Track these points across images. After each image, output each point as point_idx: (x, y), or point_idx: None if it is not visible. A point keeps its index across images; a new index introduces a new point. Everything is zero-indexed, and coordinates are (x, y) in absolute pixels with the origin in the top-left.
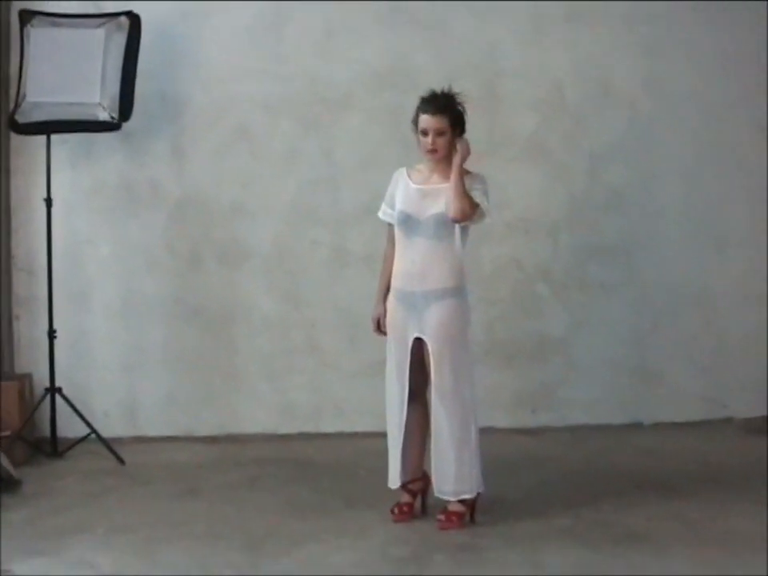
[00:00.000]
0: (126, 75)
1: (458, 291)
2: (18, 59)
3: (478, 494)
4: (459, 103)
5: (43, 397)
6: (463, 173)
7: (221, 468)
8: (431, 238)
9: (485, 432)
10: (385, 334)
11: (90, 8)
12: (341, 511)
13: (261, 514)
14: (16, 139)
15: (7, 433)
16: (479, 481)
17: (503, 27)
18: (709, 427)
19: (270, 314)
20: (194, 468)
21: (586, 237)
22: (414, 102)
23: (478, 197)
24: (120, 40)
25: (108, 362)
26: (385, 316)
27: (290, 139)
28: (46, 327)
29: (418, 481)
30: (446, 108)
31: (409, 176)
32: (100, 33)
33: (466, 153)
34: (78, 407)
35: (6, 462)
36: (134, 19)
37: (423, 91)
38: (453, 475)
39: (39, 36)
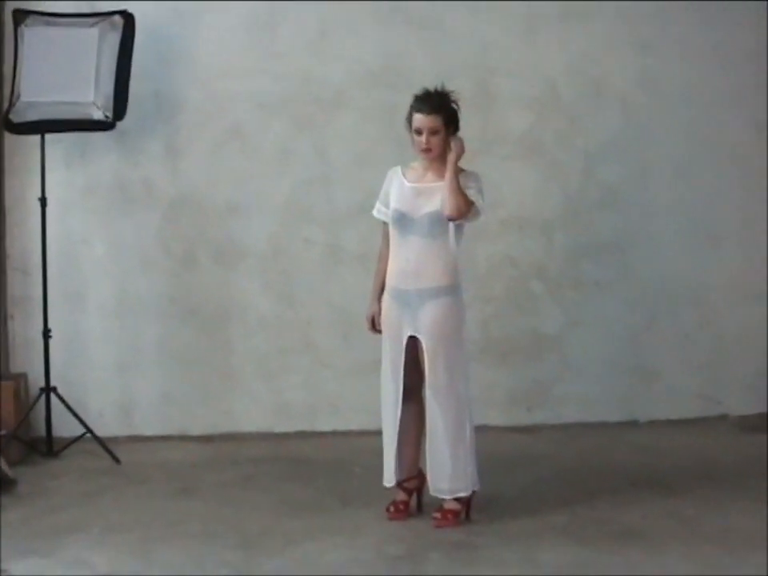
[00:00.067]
0: (120, 74)
1: (452, 289)
2: (12, 59)
3: (473, 491)
4: (453, 102)
5: (38, 396)
6: (458, 171)
7: (216, 467)
8: (425, 237)
9: (480, 430)
10: (379, 332)
11: (84, 7)
12: (336, 509)
13: (256, 513)
14: (10, 139)
15: (2, 432)
16: (474, 479)
17: (497, 26)
18: (704, 424)
19: (265, 313)
20: (190, 467)
21: (581, 235)
22: (408, 101)
23: (472, 195)
24: (114, 39)
25: (103, 362)
26: (379, 314)
27: (284, 138)
28: (40, 327)
29: (414, 479)
30: (439, 107)
31: (403, 174)
32: (94, 32)
33: (461, 151)
34: (73, 407)
35: (1, 462)
36: (128, 18)
37: (417, 90)
38: (448, 473)
39: (33, 35)
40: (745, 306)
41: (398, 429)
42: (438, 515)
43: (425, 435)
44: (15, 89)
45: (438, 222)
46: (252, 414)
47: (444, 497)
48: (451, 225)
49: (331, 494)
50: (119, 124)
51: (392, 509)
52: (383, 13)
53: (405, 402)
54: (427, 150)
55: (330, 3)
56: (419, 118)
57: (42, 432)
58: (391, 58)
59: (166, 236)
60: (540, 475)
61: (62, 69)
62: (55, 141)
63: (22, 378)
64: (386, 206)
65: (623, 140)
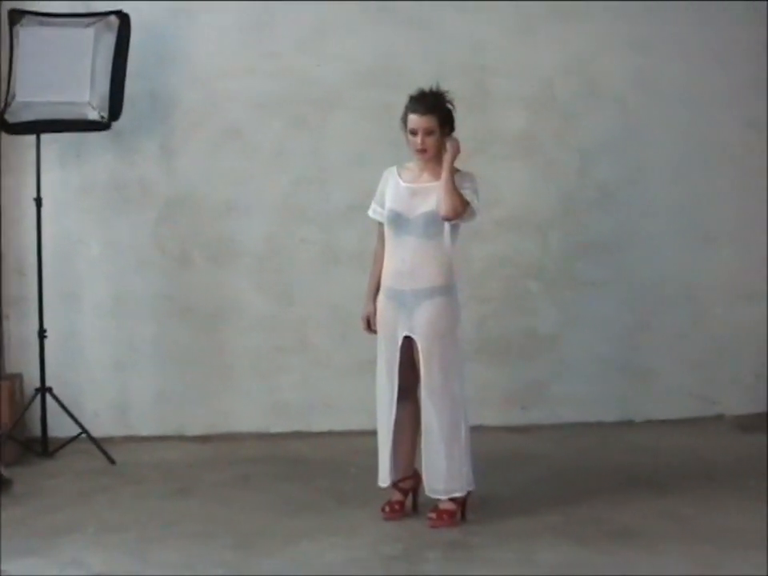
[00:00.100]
0: (115, 74)
1: (447, 289)
2: (8, 59)
3: (469, 491)
4: (448, 102)
5: (33, 397)
6: (453, 171)
7: (212, 467)
8: (421, 237)
9: (475, 430)
10: (375, 332)
11: (80, 7)
12: (332, 509)
13: (252, 513)
14: (6, 139)
15: None
16: (470, 479)
17: (492, 25)
18: (700, 424)
19: (261, 312)
20: (186, 467)
21: (576, 234)
22: (403, 100)
23: (468, 195)
24: (109, 39)
25: (98, 362)
26: (375, 315)
27: (279, 137)
28: (36, 327)
29: (409, 479)
30: (434, 107)
31: (399, 174)
32: (89, 32)
33: (456, 151)
34: (69, 407)
35: None
36: (124, 18)
37: (413, 89)
38: (443, 473)
39: (28, 35)
40: (741, 306)
41: (392, 429)
42: (433, 515)
43: (420, 435)
44: (10, 89)
45: (433, 222)
46: (248, 414)
47: (439, 497)
48: (447, 225)
49: (327, 494)
50: (115, 124)
51: (387, 509)
52: (379, 13)
53: (400, 402)
54: (422, 151)
55: (326, 3)
56: (414, 119)
57: (38, 432)
58: (387, 57)
59: (161, 236)
60: (536, 475)
61: (57, 69)
62: (51, 141)
63: (17, 378)
64: (382, 206)
65: (619, 139)
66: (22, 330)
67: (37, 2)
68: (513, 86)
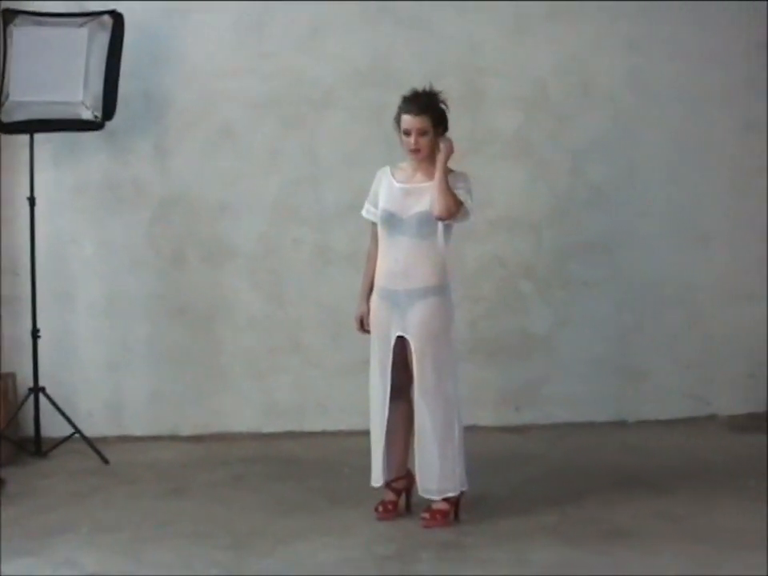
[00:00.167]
0: (109, 74)
1: (441, 289)
2: (1, 58)
3: (462, 492)
4: (441, 102)
5: (27, 396)
6: (447, 171)
7: (206, 467)
8: (414, 237)
9: (469, 430)
10: (368, 332)
11: (73, 7)
12: (326, 509)
13: (246, 513)
14: None
15: None
16: (463, 479)
17: (486, 25)
18: (693, 424)
19: (255, 312)
20: (179, 467)
21: (569, 234)
22: (397, 100)
23: (461, 195)
24: (103, 39)
25: (92, 362)
26: (368, 315)
27: (273, 138)
28: (29, 327)
29: (402, 479)
30: (427, 108)
31: (392, 175)
32: (83, 32)
33: (450, 151)
34: (62, 406)
35: None
36: (118, 18)
37: (406, 89)
38: (437, 473)
39: (22, 35)
40: (733, 306)
41: (385, 429)
42: (426, 515)
43: (413, 435)
44: (4, 88)
45: (426, 222)
46: (241, 414)
47: (432, 497)
48: (440, 225)
49: (320, 494)
50: (108, 124)
51: (380, 509)
52: (372, 13)
53: (393, 402)
54: (416, 151)
55: (320, 3)
56: (407, 119)
57: (31, 432)
58: (380, 57)
59: (155, 236)
60: (529, 475)
61: (51, 69)
62: (44, 140)
63: (10, 377)
64: (375, 206)
65: (612, 140)
66: (16, 329)
67: (30, 1)
68: (507, 87)
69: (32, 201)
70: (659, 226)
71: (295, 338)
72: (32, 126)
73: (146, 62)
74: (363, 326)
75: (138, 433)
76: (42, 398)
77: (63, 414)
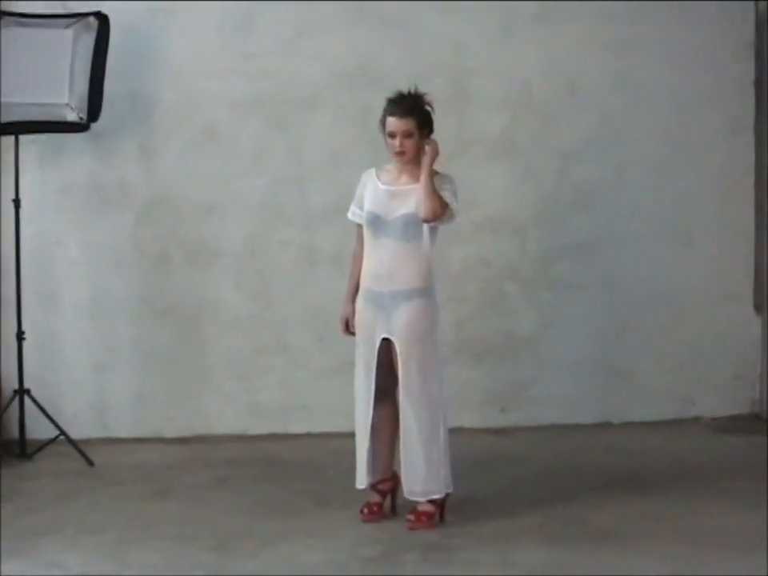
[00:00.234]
0: (94, 76)
1: (425, 291)
2: None
3: (447, 493)
4: (427, 104)
5: (12, 398)
6: (432, 173)
7: (191, 468)
8: (399, 239)
9: (454, 432)
10: (353, 334)
11: (58, 8)
12: (311, 511)
13: (231, 515)
14: None
15: None
16: (448, 481)
17: (472, 26)
18: (678, 426)
19: (240, 313)
20: (164, 469)
21: (555, 236)
22: (382, 102)
23: (447, 197)
24: (88, 40)
25: (77, 363)
26: (353, 316)
27: (258, 138)
28: (14, 328)
29: (388, 481)
30: (412, 110)
31: (378, 177)
32: (68, 33)
33: (435, 154)
34: (47, 408)
35: None
36: (103, 19)
37: (392, 90)
38: (422, 475)
39: (7, 36)
40: (719, 308)
41: (370, 431)
42: (411, 517)
43: (399, 437)
44: None
45: (412, 224)
46: (226, 416)
47: (418, 499)
48: (425, 227)
49: (305, 496)
50: (94, 125)
51: (366, 511)
52: (358, 13)
53: (379, 404)
54: (401, 153)
55: (305, 4)
56: (392, 122)
57: (16, 434)
58: (366, 58)
59: (140, 237)
60: (515, 476)
61: (36, 70)
62: (29, 142)
63: None
64: (361, 208)
65: (598, 141)
66: (0, 331)
67: (15, 2)
68: (493, 88)
69: (17, 202)
70: (645, 227)
71: (281, 340)
72: (17, 128)
73: (131, 63)
74: (348, 327)
75: (123, 434)
76: (26, 399)
77: (48, 415)
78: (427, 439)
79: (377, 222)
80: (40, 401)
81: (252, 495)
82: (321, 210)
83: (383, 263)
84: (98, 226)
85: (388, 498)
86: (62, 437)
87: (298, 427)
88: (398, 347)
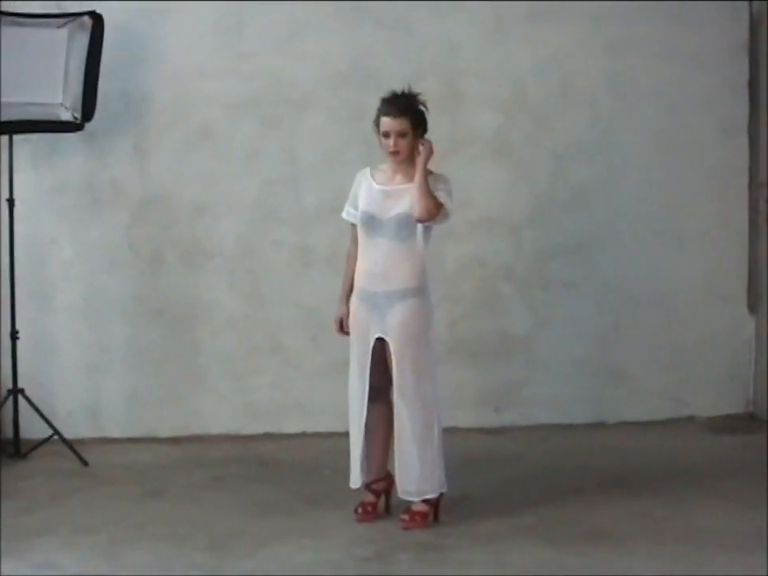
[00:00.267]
0: (88, 75)
1: (420, 291)
2: None
3: (442, 493)
4: (421, 104)
5: (6, 398)
6: (426, 173)
7: (184, 468)
8: (393, 239)
9: (448, 431)
10: (347, 334)
11: (53, 8)
12: (304, 511)
13: (225, 515)
14: None
15: None
16: (442, 481)
17: (465, 26)
18: (671, 426)
19: (233, 313)
20: (158, 469)
21: (549, 236)
22: (376, 101)
23: (441, 197)
24: (83, 40)
25: (71, 363)
26: (348, 316)
27: (252, 138)
28: (8, 328)
29: (382, 480)
30: (406, 109)
31: (372, 176)
32: (62, 33)
33: (430, 153)
34: (41, 408)
35: None
36: (97, 19)
37: (386, 90)
38: (416, 475)
39: (1, 36)
40: (713, 308)
41: (363, 431)
42: (405, 517)
43: (393, 437)
44: None
45: (406, 224)
46: (220, 415)
47: (412, 499)
48: (419, 227)
49: (299, 496)
50: (88, 125)
51: (360, 510)
52: (351, 13)
53: (373, 403)
54: (395, 153)
55: (299, 3)
56: (386, 122)
57: (10, 434)
58: (359, 58)
59: (134, 236)
60: (508, 476)
61: (30, 70)
62: (23, 141)
63: None
64: (355, 207)
65: (591, 141)
66: None
67: (9, 2)
68: (486, 88)
69: (11, 202)
70: (640, 228)
71: (274, 340)
72: (11, 127)
73: (125, 63)
74: (343, 327)
75: (117, 434)
76: (20, 399)
77: (42, 415)
78: (421, 439)
79: (371, 222)
80: (34, 400)
81: (245, 495)
82: (314, 210)
83: (377, 263)
84: (92, 226)
85: (382, 498)
86: (55, 436)
87: (291, 427)
88: (392, 347)
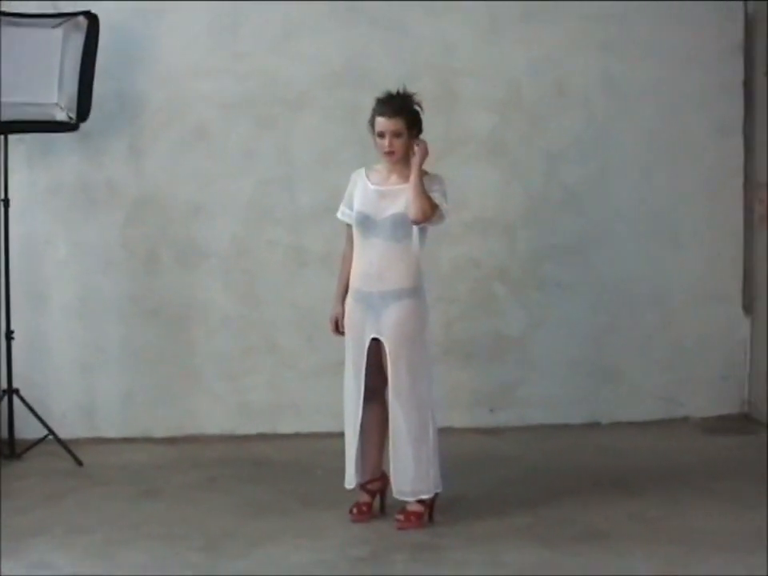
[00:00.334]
0: (83, 75)
1: (415, 292)
2: None
3: (436, 493)
4: (416, 104)
5: (0, 398)
6: (422, 174)
7: (179, 469)
8: (388, 239)
9: (443, 432)
10: (343, 334)
11: (48, 8)
12: (299, 511)
13: (219, 515)
14: None
15: None
16: (437, 481)
17: (460, 26)
18: (666, 426)
19: (228, 313)
20: (153, 469)
21: (543, 236)
22: (371, 101)
23: (437, 198)
24: (78, 40)
25: (66, 363)
26: (343, 316)
27: (247, 138)
28: (3, 328)
29: (377, 481)
30: (401, 109)
31: (367, 177)
32: (58, 33)
33: (425, 154)
34: (36, 408)
35: None
36: (92, 19)
37: (381, 90)
38: (411, 475)
39: None
40: (708, 308)
41: (359, 431)
42: (400, 517)
43: (388, 437)
44: None
45: (401, 224)
46: (215, 416)
47: (407, 499)
48: (415, 228)
49: (294, 496)
50: (83, 125)
51: (355, 510)
52: (346, 13)
53: (368, 404)
54: (390, 153)
55: (293, 3)
56: (381, 122)
57: (5, 434)
58: (354, 58)
59: (129, 237)
60: (503, 477)
61: (25, 69)
62: (18, 141)
63: None
64: (350, 208)
65: (586, 141)
66: None
67: (5, 2)
68: (481, 88)
69: (6, 202)
70: (634, 228)
71: (269, 340)
72: (6, 127)
73: (120, 63)
74: (338, 327)
75: (112, 434)
76: (15, 399)
77: (37, 415)
78: (416, 439)
79: (366, 222)
80: (29, 400)
81: (240, 495)
82: (309, 210)
83: (372, 263)
84: (87, 226)
85: (377, 498)
86: (50, 436)
87: (286, 427)
88: (387, 347)
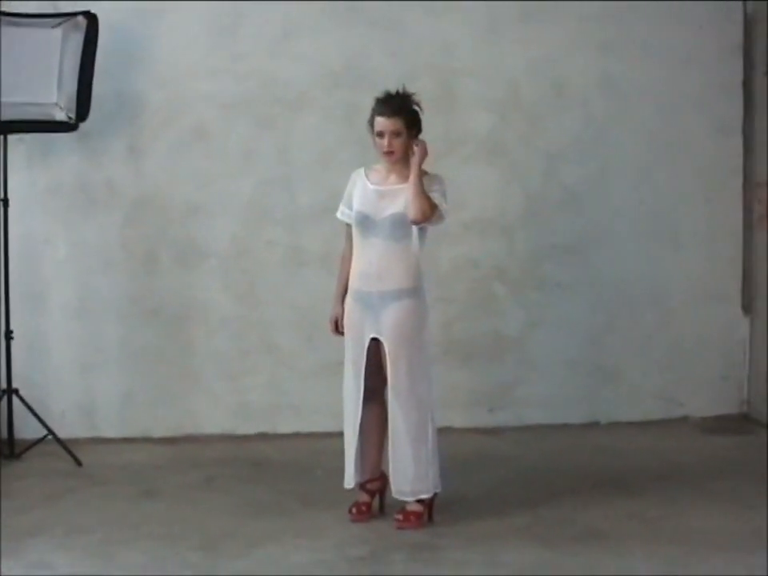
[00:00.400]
0: (83, 75)
1: (414, 292)
2: None
3: (436, 493)
4: (415, 104)
5: (0, 398)
6: (421, 174)
7: (178, 469)
8: (388, 239)
9: (442, 431)
10: (342, 334)
11: (47, 8)
12: (298, 511)
13: (219, 515)
14: None
15: None
16: (436, 481)
17: (459, 27)
18: (665, 426)
19: (228, 313)
20: (152, 469)
21: (542, 236)
22: (370, 101)
23: (436, 198)
24: (77, 40)
25: (65, 363)
26: (342, 316)
27: (246, 138)
28: (2, 328)
29: (376, 480)
30: (401, 109)
31: (366, 176)
32: (57, 33)
33: (424, 154)
34: (35, 408)
35: None
36: (92, 19)
37: (380, 90)
38: (410, 475)
39: None
40: (707, 308)
41: (357, 431)
42: (400, 517)
43: (387, 437)
44: None
45: (400, 224)
46: (214, 416)
47: (406, 499)
48: (414, 228)
49: (293, 496)
50: (82, 125)
51: (354, 510)
52: (345, 14)
53: (367, 404)
54: (389, 153)
55: (293, 4)
56: (381, 121)
57: (4, 434)
58: (353, 58)
59: (128, 237)
60: (502, 476)
61: (24, 69)
62: (17, 141)
63: None
64: (350, 207)
65: (585, 141)
66: None
67: (4, 2)
68: (480, 88)
69: (5, 202)
70: (632, 228)
71: (268, 340)
72: (5, 127)
73: (119, 63)
74: (337, 327)
75: (111, 434)
76: (15, 399)
77: (36, 415)
78: (415, 439)
79: (365, 222)
80: (28, 400)
81: (239, 495)
82: (309, 211)
83: (372, 263)
84: (86, 226)
85: (376, 498)
86: (50, 436)
87: (285, 427)
88: (387, 347)
